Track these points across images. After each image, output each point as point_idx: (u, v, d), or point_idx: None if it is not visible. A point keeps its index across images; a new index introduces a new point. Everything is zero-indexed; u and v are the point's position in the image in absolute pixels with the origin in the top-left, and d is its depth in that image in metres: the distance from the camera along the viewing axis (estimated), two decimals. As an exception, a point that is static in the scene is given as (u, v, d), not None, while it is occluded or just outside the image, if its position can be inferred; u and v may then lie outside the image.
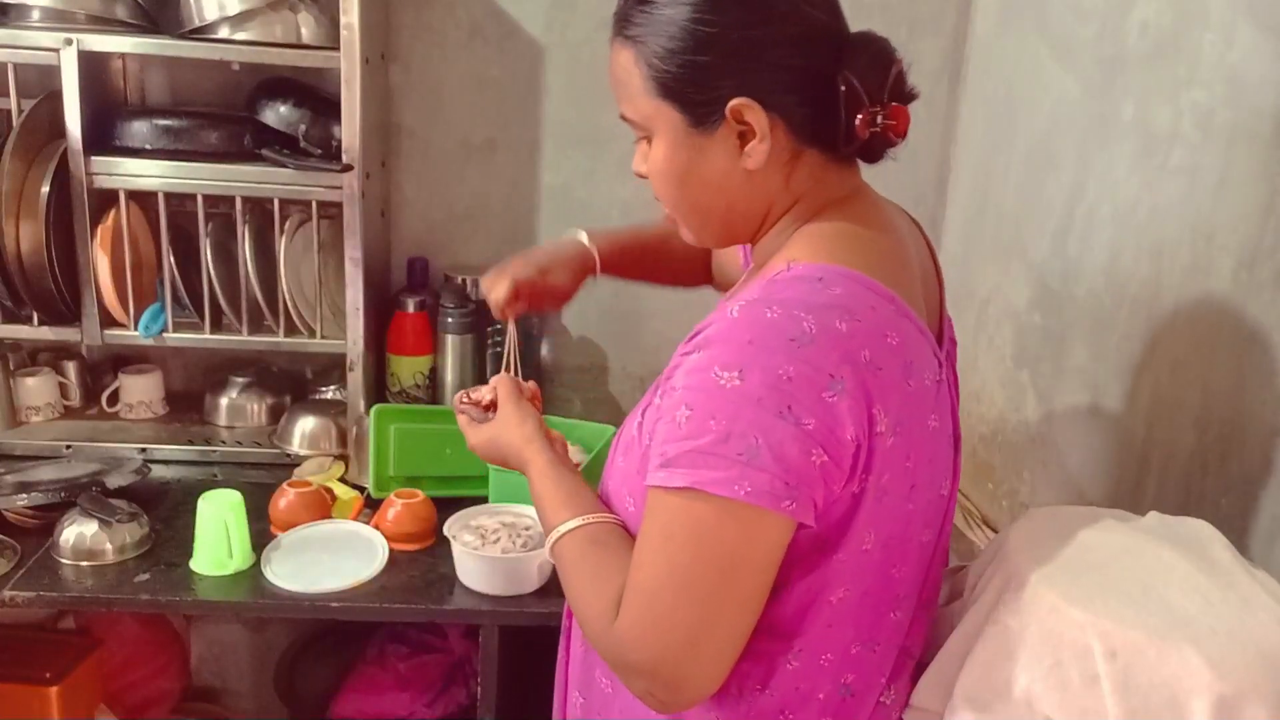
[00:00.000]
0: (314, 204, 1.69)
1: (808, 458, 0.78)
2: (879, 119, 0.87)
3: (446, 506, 1.55)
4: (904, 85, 0.89)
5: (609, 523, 0.94)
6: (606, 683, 0.99)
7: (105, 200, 1.67)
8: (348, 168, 1.64)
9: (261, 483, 1.67)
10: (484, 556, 1.41)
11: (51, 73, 1.59)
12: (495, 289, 1.23)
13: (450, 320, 1.86)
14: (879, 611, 0.91)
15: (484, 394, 1.15)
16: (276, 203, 1.69)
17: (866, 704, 0.93)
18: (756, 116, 0.86)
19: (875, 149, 0.90)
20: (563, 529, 0.94)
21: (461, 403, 1.16)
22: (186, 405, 1.93)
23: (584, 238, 1.29)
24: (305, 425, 1.78)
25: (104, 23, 1.62)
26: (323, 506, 1.59)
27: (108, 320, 1.72)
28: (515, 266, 1.24)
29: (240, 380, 1.90)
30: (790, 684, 0.90)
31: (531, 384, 1.17)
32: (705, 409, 0.79)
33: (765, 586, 0.83)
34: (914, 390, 0.85)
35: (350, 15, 1.58)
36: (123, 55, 1.79)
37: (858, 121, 0.86)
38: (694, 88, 0.86)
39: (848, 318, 0.81)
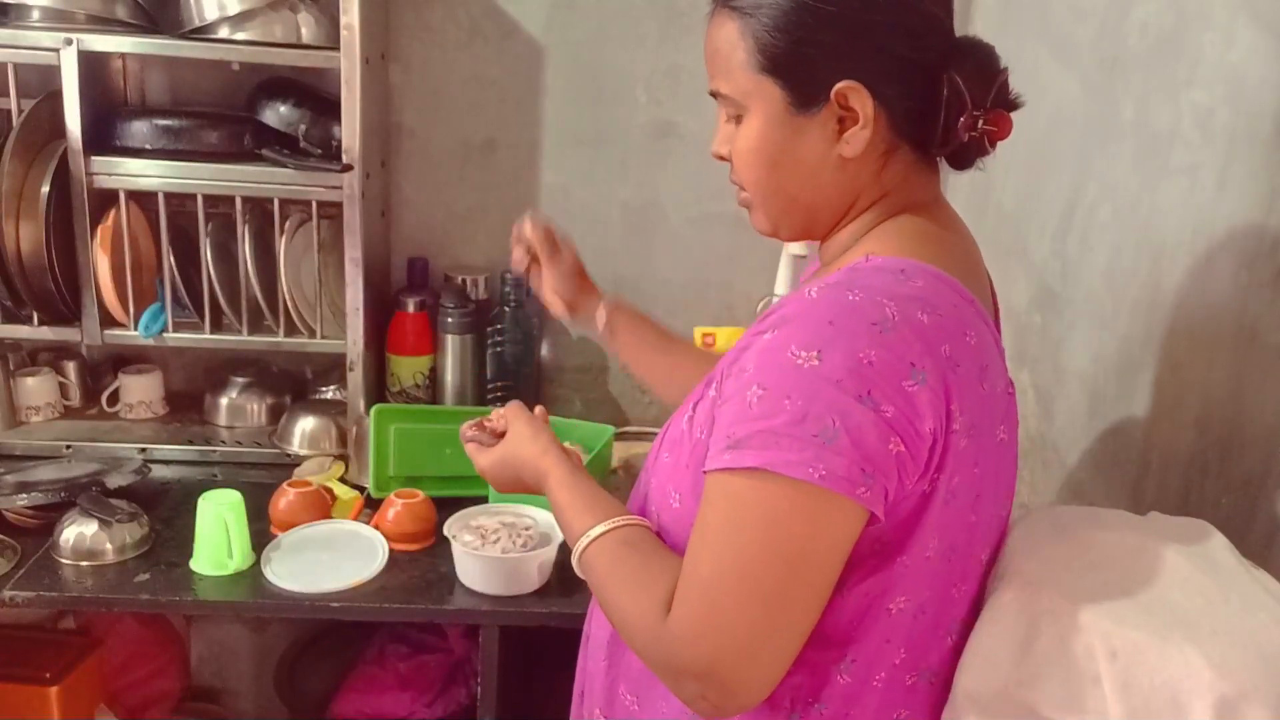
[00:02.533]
0: (314, 204, 1.69)
1: (885, 445, 0.75)
2: (980, 123, 0.85)
3: (446, 506, 1.55)
4: (1008, 93, 0.87)
5: (640, 526, 0.91)
6: (631, 699, 0.96)
7: (105, 200, 1.67)
8: (348, 168, 1.64)
9: (261, 483, 1.67)
10: (484, 556, 1.41)
11: (51, 73, 1.59)
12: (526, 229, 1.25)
13: (450, 320, 1.86)
14: (935, 634, 0.88)
15: (496, 422, 1.12)
16: (276, 203, 1.69)
17: None
18: (863, 102, 0.83)
19: (968, 155, 0.89)
20: (592, 534, 0.90)
21: (470, 430, 1.13)
22: (186, 405, 1.93)
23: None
24: (305, 425, 1.78)
25: (104, 23, 1.62)
26: (323, 506, 1.59)
27: (108, 320, 1.72)
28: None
29: (240, 380, 1.90)
30: (842, 705, 0.86)
31: (540, 408, 1.14)
32: (780, 388, 0.76)
33: (830, 584, 0.80)
34: (987, 395, 0.83)
35: (350, 15, 1.57)
36: (123, 55, 1.79)
37: (960, 123, 0.84)
38: (803, 66, 0.84)
39: (929, 310, 0.79)
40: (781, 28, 0.83)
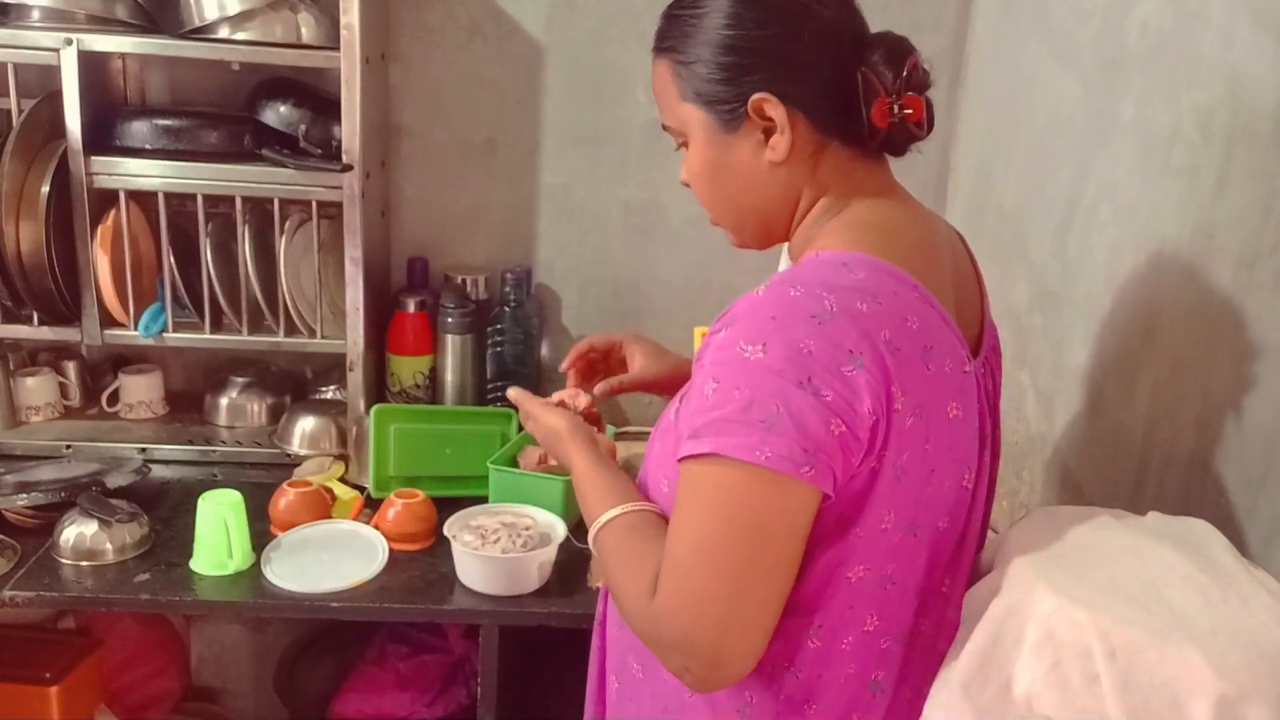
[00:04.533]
0: (314, 204, 1.69)
1: (826, 427, 0.81)
2: (895, 108, 0.90)
3: (446, 506, 1.55)
4: (919, 77, 0.92)
5: (647, 511, 0.97)
6: (638, 667, 1.01)
7: (105, 200, 1.67)
8: (348, 168, 1.64)
9: (261, 483, 1.67)
10: (484, 556, 1.41)
11: (51, 73, 1.59)
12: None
13: (450, 320, 1.86)
14: (904, 599, 0.93)
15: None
16: (276, 203, 1.69)
17: (901, 703, 0.95)
18: (776, 110, 0.90)
19: (898, 141, 0.94)
20: (603, 519, 0.97)
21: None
22: (186, 405, 1.93)
23: None
24: (305, 425, 1.78)
25: (104, 23, 1.62)
26: (323, 506, 1.59)
27: (108, 320, 1.72)
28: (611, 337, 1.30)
29: (240, 380, 1.90)
30: (814, 667, 0.91)
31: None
32: (730, 380, 0.83)
33: (793, 557, 0.85)
34: (933, 375, 0.87)
35: (350, 15, 1.58)
36: (123, 55, 1.79)
37: (875, 110, 0.90)
38: (717, 88, 0.92)
39: (868, 300, 0.84)
40: (693, 59, 0.92)
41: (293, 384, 1.97)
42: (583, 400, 1.22)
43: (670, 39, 0.95)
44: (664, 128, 1.00)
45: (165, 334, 1.73)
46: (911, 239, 0.94)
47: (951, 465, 0.92)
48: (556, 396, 1.21)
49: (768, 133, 0.92)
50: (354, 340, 1.72)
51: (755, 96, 0.90)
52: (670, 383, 1.20)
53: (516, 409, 1.23)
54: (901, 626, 0.93)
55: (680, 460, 0.86)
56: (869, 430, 0.83)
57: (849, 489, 0.86)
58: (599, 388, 1.25)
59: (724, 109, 0.92)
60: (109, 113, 1.70)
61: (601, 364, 1.31)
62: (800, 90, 0.91)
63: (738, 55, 0.91)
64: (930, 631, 0.96)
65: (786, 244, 1.01)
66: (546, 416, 1.15)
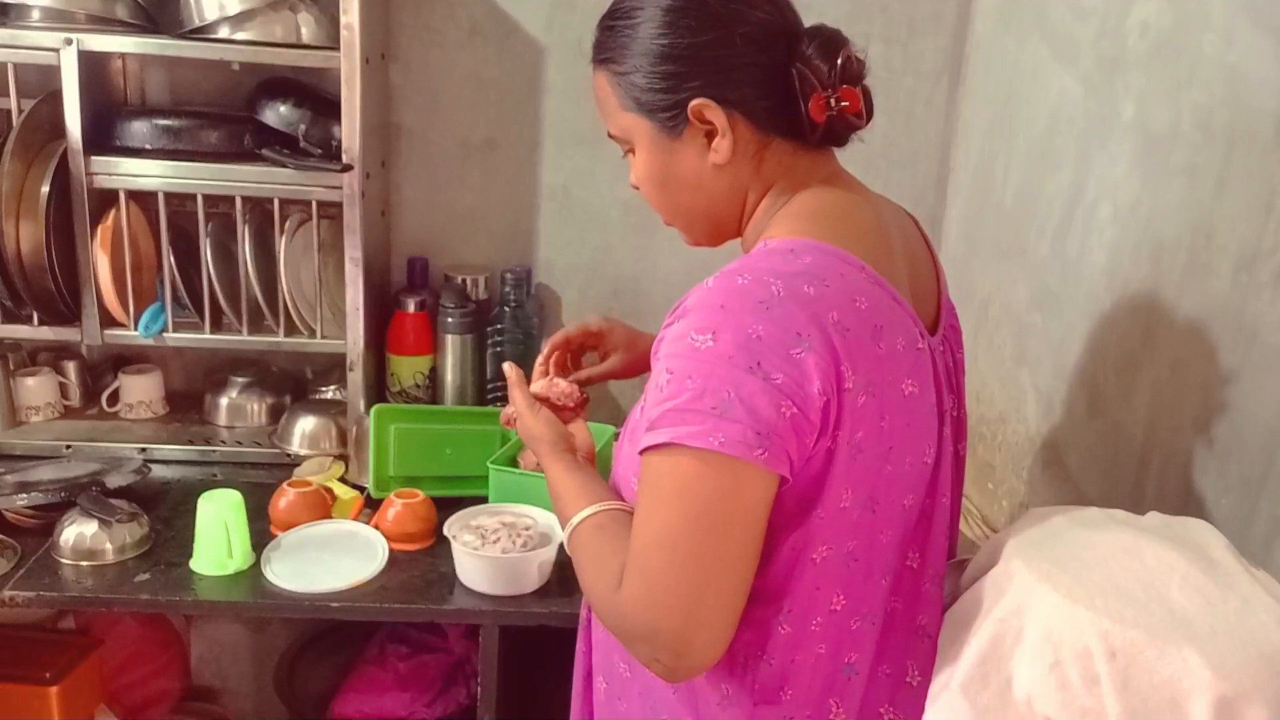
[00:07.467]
0: (314, 204, 1.69)
1: (777, 410, 0.82)
2: (832, 102, 0.92)
3: (446, 506, 1.55)
4: (853, 68, 0.94)
5: (615, 510, 0.98)
6: (624, 667, 1.02)
7: (105, 200, 1.67)
8: (348, 168, 1.64)
9: (261, 483, 1.67)
10: (484, 556, 1.41)
11: (51, 73, 1.59)
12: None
13: (450, 320, 1.86)
14: (870, 579, 0.94)
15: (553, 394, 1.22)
16: (276, 203, 1.69)
17: (880, 682, 0.96)
18: (715, 115, 0.93)
19: (838, 132, 0.96)
20: (576, 519, 0.99)
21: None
22: (186, 405, 1.93)
23: None
24: (305, 425, 1.78)
25: (104, 23, 1.62)
26: (323, 506, 1.59)
27: (108, 320, 1.72)
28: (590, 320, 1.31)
29: (240, 380, 1.90)
30: (786, 653, 0.92)
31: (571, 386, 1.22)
32: (683, 371, 0.84)
33: (753, 544, 0.86)
34: (885, 353, 0.89)
35: (350, 15, 1.58)
36: (123, 55, 1.79)
37: (811, 105, 0.91)
38: (657, 96, 0.94)
39: (816, 283, 0.86)
40: (630, 69, 0.94)
41: (293, 384, 1.97)
42: (559, 388, 1.22)
43: (607, 50, 0.97)
44: (609, 135, 1.01)
45: (165, 334, 1.73)
46: (858, 223, 0.95)
47: (910, 442, 0.93)
48: (540, 387, 1.21)
49: (710, 136, 0.94)
50: (354, 340, 1.72)
51: (694, 102, 0.92)
52: (645, 363, 1.21)
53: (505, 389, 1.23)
54: (869, 605, 0.94)
55: (641, 453, 0.87)
56: (820, 411, 0.84)
57: (806, 471, 0.87)
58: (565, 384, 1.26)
59: (665, 116, 0.94)
60: (109, 113, 1.70)
61: (579, 352, 1.32)
62: (738, 93, 0.93)
63: (674, 63, 0.92)
64: (904, 608, 0.97)
65: None
66: (530, 420, 1.16)
